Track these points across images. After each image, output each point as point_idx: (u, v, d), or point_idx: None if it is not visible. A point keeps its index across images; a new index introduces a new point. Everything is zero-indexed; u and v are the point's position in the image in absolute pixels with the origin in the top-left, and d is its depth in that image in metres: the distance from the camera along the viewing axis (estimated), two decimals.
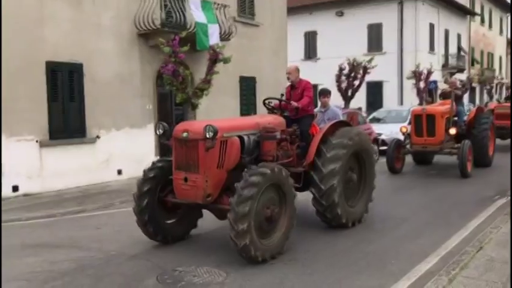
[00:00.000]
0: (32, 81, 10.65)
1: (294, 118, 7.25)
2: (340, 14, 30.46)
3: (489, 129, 12.86)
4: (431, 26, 30.96)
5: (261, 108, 17.31)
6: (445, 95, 13.08)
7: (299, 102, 7.14)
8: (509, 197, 8.73)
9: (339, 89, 20.40)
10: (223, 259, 5.71)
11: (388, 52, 28.92)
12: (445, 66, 32.91)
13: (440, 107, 12.52)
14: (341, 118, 8.13)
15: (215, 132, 5.57)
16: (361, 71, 20.40)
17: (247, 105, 16.68)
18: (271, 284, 5.01)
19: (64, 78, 11.26)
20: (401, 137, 13.11)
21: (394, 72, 28.95)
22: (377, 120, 18.19)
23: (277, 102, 7.40)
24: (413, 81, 24.69)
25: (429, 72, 24.34)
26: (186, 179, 5.83)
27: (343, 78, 20.31)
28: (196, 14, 12.78)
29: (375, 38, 29.68)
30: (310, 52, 31.84)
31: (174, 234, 6.52)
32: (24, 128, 10.55)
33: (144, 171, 6.31)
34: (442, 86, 29.05)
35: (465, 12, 36.11)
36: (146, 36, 12.89)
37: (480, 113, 13.16)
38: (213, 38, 13.16)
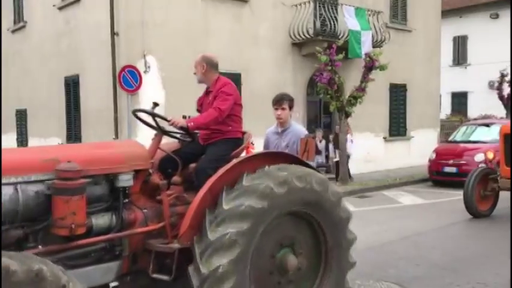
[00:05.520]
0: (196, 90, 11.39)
1: (204, 145, 4.32)
2: (495, 16, 28.13)
3: None
4: None
5: (411, 117, 16.54)
6: None
7: (194, 118, 4.21)
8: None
9: (500, 97, 18.76)
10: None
11: None
12: None
13: None
14: None
15: None
16: None
17: (397, 113, 16.11)
18: None
19: None
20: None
21: None
22: None
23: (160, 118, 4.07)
24: None
25: None
26: None
27: (506, 84, 18.58)
28: (349, 21, 12.72)
29: None
30: (460, 57, 29.85)
31: None
32: None
33: None
34: None
35: None
36: (300, 45, 13.14)
37: None
38: (366, 46, 12.99)
